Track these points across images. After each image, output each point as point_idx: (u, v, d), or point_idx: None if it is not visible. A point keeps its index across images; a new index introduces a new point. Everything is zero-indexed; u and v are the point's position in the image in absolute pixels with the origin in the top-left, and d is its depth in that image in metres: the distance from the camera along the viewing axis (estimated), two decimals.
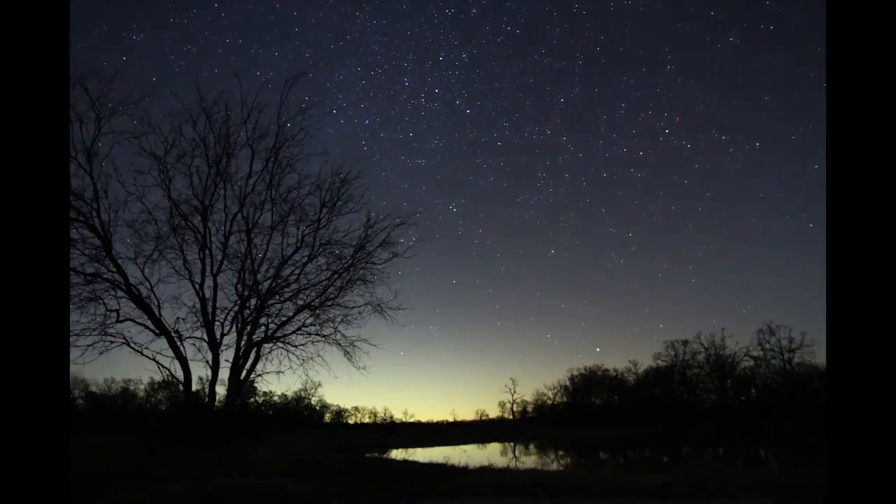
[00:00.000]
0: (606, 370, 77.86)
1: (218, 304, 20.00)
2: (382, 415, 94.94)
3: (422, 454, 28.01)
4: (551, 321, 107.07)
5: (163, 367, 19.03)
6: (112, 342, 18.44)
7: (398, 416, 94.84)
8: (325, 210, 21.03)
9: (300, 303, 20.97)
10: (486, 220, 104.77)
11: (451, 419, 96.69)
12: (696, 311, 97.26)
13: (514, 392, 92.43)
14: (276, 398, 73.31)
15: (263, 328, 20.52)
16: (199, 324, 19.51)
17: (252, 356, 20.09)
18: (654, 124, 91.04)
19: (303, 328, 21.11)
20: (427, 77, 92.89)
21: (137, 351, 18.75)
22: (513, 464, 22.04)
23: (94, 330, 18.06)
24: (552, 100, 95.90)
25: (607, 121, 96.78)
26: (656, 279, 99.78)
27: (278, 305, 20.95)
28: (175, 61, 63.84)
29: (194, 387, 19.52)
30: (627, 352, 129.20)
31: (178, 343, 18.93)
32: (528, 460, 26.15)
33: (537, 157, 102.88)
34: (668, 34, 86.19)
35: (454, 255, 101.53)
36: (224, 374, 19.76)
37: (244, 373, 19.99)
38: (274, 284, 20.62)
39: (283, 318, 20.78)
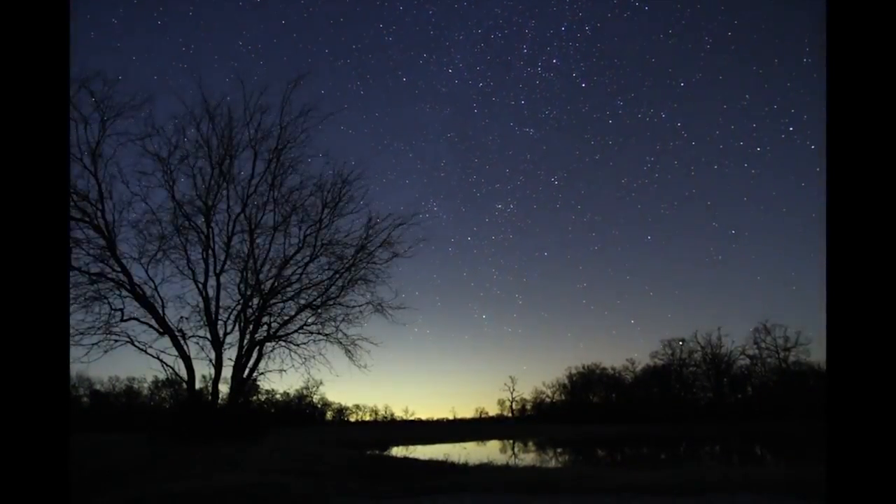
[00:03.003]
0: (604, 369, 78.34)
1: (221, 304, 20.26)
2: (383, 413, 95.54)
3: (422, 451, 28.28)
4: (635, 306, 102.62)
5: (166, 365, 19.29)
6: (116, 341, 18.70)
7: (399, 413, 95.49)
8: (326, 210, 21.30)
9: (302, 302, 21.26)
10: (586, 197, 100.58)
11: (450, 417, 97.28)
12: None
13: (514, 390, 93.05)
14: (278, 396, 73.80)
15: (266, 327, 20.79)
16: (202, 323, 19.78)
17: (255, 355, 20.34)
18: (780, 120, 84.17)
19: (305, 327, 21.40)
20: (546, 46, 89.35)
21: (141, 349, 19.00)
22: (512, 461, 22.31)
23: (98, 329, 18.33)
24: (672, 83, 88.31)
25: (727, 111, 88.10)
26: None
27: (280, 305, 21.23)
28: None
29: (197, 385, 19.75)
30: (626, 350, 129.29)
31: (182, 342, 19.18)
32: (527, 457, 26.41)
33: (648, 139, 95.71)
34: (812, 26, 77.82)
35: (550, 228, 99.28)
36: (227, 372, 20.01)
37: (247, 371, 20.24)
38: (276, 284, 20.87)
39: (286, 317, 21.07)
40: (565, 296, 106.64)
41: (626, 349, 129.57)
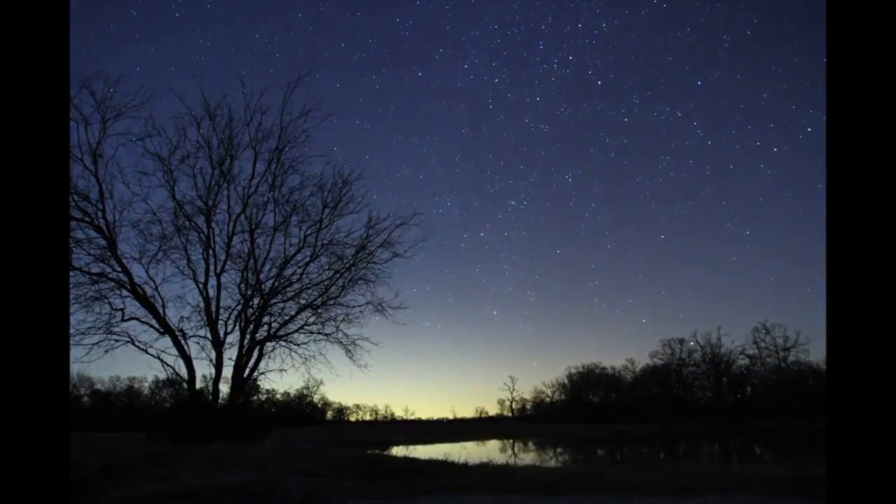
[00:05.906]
0: (604, 368, 78.44)
1: (221, 304, 20.20)
2: (383, 412, 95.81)
3: (422, 451, 28.31)
4: (646, 305, 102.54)
5: (167, 365, 19.26)
6: (117, 341, 18.69)
7: (399, 413, 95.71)
8: (326, 210, 21.29)
9: (302, 302, 21.24)
10: (600, 195, 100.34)
11: (451, 417, 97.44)
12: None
13: (514, 390, 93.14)
14: (278, 396, 73.99)
15: (266, 327, 20.78)
16: (202, 322, 19.75)
17: (255, 354, 20.33)
18: (798, 120, 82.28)
19: (305, 327, 21.38)
20: (563, 43, 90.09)
21: (142, 349, 18.97)
22: (511, 460, 22.33)
23: (99, 329, 18.31)
24: (689, 81, 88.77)
25: (744, 110, 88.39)
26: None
27: (281, 304, 21.20)
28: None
29: (198, 385, 19.73)
30: (625, 350, 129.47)
31: (182, 341, 19.17)
32: (527, 457, 26.45)
33: (663, 138, 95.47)
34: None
35: (561, 226, 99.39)
36: (227, 372, 19.97)
37: (247, 371, 20.23)
38: (276, 284, 20.86)
39: (286, 317, 21.04)
40: (576, 294, 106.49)
41: (625, 349, 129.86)
